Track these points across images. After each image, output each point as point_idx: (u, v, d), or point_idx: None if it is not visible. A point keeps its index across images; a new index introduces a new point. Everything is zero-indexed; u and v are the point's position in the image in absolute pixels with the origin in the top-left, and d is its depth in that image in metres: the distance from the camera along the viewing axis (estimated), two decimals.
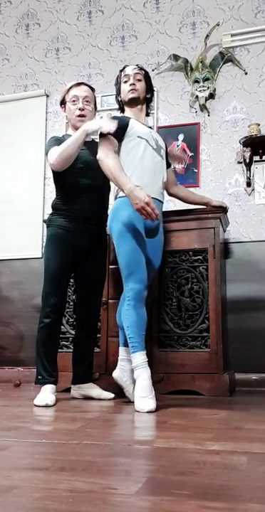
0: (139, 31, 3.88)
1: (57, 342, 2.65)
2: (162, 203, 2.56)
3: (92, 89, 2.81)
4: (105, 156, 2.39)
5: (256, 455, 1.33)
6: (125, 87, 2.62)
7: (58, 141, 2.64)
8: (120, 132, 2.47)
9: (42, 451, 1.41)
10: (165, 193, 2.71)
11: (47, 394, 2.45)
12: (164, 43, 3.80)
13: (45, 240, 2.72)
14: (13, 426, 1.83)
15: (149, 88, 2.68)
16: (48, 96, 4.05)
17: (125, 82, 2.63)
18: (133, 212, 2.37)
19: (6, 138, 4.06)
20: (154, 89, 3.68)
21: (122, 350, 2.54)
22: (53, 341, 2.59)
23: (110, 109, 3.77)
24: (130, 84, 2.60)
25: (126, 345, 2.46)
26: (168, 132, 3.67)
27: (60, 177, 2.62)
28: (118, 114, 2.76)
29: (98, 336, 2.94)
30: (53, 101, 4.02)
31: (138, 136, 2.50)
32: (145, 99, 2.66)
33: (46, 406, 2.36)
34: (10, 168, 4.02)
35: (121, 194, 2.45)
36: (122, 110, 2.70)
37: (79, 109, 2.69)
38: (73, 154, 2.53)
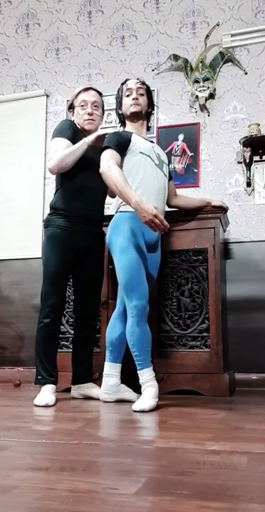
0: (139, 31, 3.88)
1: (56, 342, 2.66)
2: None
3: (101, 94, 2.83)
4: (108, 169, 2.36)
5: (256, 455, 1.33)
6: (128, 101, 2.61)
7: (71, 129, 2.64)
8: (122, 147, 2.47)
9: (42, 451, 1.41)
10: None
11: (47, 394, 2.45)
12: (164, 43, 3.80)
13: (43, 241, 2.72)
14: (13, 426, 1.83)
15: (151, 103, 2.68)
16: (48, 96, 4.05)
17: (128, 96, 2.62)
18: (135, 227, 2.38)
19: (6, 138, 4.06)
20: (154, 89, 3.71)
21: (106, 365, 2.54)
22: (52, 341, 2.59)
23: (110, 109, 3.77)
24: (133, 99, 2.59)
25: (112, 360, 2.51)
26: (168, 132, 3.67)
27: (64, 178, 2.63)
28: (120, 129, 2.77)
29: (98, 335, 2.94)
30: (53, 101, 4.02)
31: (140, 152, 2.50)
32: (146, 114, 2.66)
33: (46, 406, 2.36)
34: (10, 168, 4.02)
35: (122, 209, 2.46)
36: (123, 124, 2.70)
37: (88, 114, 2.71)
38: (71, 163, 2.56)
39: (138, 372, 2.32)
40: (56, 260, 2.58)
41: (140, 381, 2.31)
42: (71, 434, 1.66)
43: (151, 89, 3.70)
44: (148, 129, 2.73)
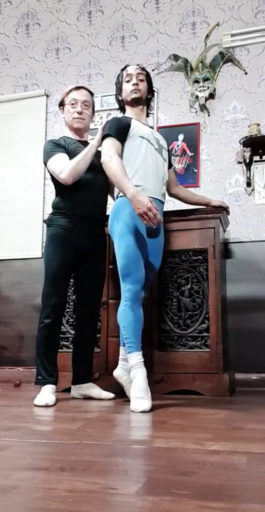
0: (139, 31, 3.88)
1: (57, 342, 2.66)
2: (163, 203, 2.57)
3: (92, 94, 2.83)
4: (108, 160, 2.38)
5: (256, 455, 1.33)
6: (128, 87, 2.61)
7: (57, 146, 2.64)
8: (123, 133, 2.47)
9: (42, 451, 1.41)
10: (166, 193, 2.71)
11: (47, 394, 2.45)
12: (164, 43, 3.80)
13: (45, 240, 2.72)
14: (13, 426, 1.83)
15: (151, 89, 2.68)
16: (48, 96, 4.05)
17: (128, 81, 2.62)
18: (134, 212, 2.37)
19: (6, 138, 4.06)
20: (155, 89, 3.71)
21: (122, 349, 2.54)
22: (53, 341, 2.59)
23: (110, 109, 3.77)
24: (133, 84, 2.59)
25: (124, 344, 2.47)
26: (168, 132, 3.66)
27: None
28: (119, 114, 2.76)
29: (98, 335, 2.94)
30: (53, 101, 4.02)
31: (140, 136, 2.50)
32: (146, 100, 2.66)
33: (46, 406, 2.36)
34: (10, 168, 4.02)
35: (121, 194, 2.45)
36: (123, 110, 2.69)
37: (77, 113, 2.72)
38: (84, 169, 2.56)
39: (128, 355, 2.30)
40: (57, 260, 2.58)
41: (129, 365, 2.30)
42: (71, 434, 1.66)
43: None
44: (148, 115, 2.72)
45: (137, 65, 2.71)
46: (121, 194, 2.46)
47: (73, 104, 2.74)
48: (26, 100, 4.09)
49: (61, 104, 2.81)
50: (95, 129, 3.78)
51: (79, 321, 2.74)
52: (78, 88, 2.79)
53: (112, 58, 3.93)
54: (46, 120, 4.03)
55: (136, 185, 2.40)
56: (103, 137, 2.48)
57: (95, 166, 2.57)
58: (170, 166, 2.77)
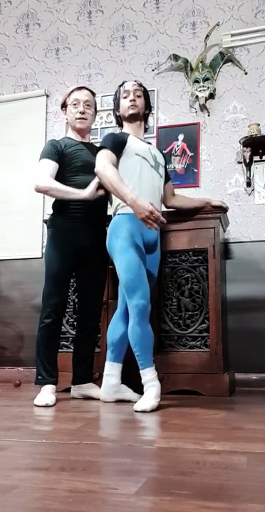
0: (139, 31, 3.88)
1: (57, 342, 2.66)
2: None
3: (93, 94, 2.85)
4: (103, 169, 2.38)
5: (256, 455, 1.33)
6: (125, 103, 2.62)
7: (54, 150, 2.66)
8: (118, 148, 2.48)
9: (42, 451, 1.41)
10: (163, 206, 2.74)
11: (47, 394, 2.45)
12: (164, 43, 3.80)
13: (45, 240, 2.73)
14: (13, 426, 1.83)
15: (148, 105, 2.69)
16: (48, 96, 4.05)
17: (125, 97, 2.63)
18: (133, 228, 2.39)
19: (6, 138, 4.06)
20: (154, 89, 3.72)
21: (107, 364, 2.55)
22: (53, 341, 2.60)
23: (110, 109, 3.77)
24: (131, 100, 2.60)
25: (112, 360, 2.51)
26: (168, 132, 3.67)
27: (59, 177, 2.64)
28: (117, 130, 2.78)
29: (98, 336, 2.94)
30: (53, 101, 4.02)
31: (136, 154, 2.51)
32: (144, 115, 2.68)
33: (46, 406, 2.36)
34: (10, 168, 4.02)
35: (120, 211, 2.48)
36: (121, 125, 2.71)
37: (80, 113, 2.74)
38: (56, 197, 2.63)
39: (140, 371, 2.32)
40: (58, 260, 2.59)
41: (142, 381, 2.31)
42: (71, 434, 1.66)
43: (151, 89, 3.73)
44: (145, 130, 2.73)
45: (135, 81, 2.73)
46: (119, 212, 2.47)
47: (75, 104, 2.75)
48: (26, 100, 4.09)
49: (63, 106, 2.83)
50: (95, 129, 3.81)
51: (80, 322, 2.75)
52: (79, 88, 2.81)
53: (112, 58, 3.93)
54: (46, 120, 4.03)
55: None
56: (98, 149, 2.49)
57: (93, 165, 2.56)
58: (168, 179, 2.77)
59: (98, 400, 2.59)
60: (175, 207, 2.87)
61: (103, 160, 2.41)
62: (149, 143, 2.74)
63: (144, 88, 2.71)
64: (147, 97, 2.69)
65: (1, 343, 3.81)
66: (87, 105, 2.76)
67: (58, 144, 2.71)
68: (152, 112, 2.77)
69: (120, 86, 2.69)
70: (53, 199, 2.73)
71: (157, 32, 3.83)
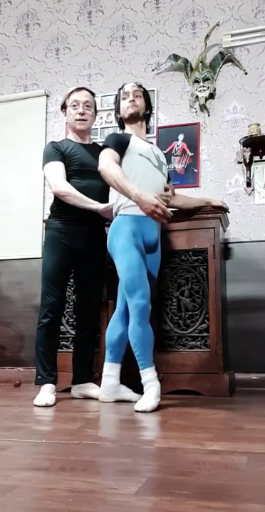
0: (139, 31, 3.88)
1: (56, 342, 2.66)
2: None
3: (93, 94, 2.85)
4: (106, 166, 2.37)
5: (256, 455, 1.33)
6: (125, 104, 2.63)
7: (56, 151, 2.66)
8: (121, 147, 2.47)
9: (42, 451, 1.41)
10: None
11: (47, 394, 2.45)
12: (164, 43, 3.80)
13: (44, 240, 2.74)
14: (13, 426, 1.83)
15: (148, 105, 2.69)
16: (48, 96, 4.05)
17: (124, 99, 2.64)
18: (135, 229, 2.40)
19: (6, 138, 4.06)
20: (154, 89, 3.72)
21: (106, 365, 2.55)
22: (52, 341, 2.60)
23: (110, 109, 3.77)
24: (130, 101, 2.61)
25: (112, 360, 2.50)
26: (168, 132, 3.67)
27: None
28: (118, 130, 2.78)
29: (98, 335, 2.94)
30: (53, 101, 4.02)
31: (139, 154, 2.50)
32: (145, 116, 2.67)
33: (46, 406, 2.36)
34: (10, 168, 4.02)
35: (121, 212, 2.48)
36: (122, 128, 2.71)
37: (79, 114, 2.74)
38: (72, 204, 2.59)
39: (140, 371, 2.32)
40: (53, 261, 2.61)
41: (142, 381, 2.31)
42: (71, 434, 1.66)
43: (151, 89, 3.72)
44: (147, 131, 2.73)
45: (135, 82, 2.73)
46: (120, 212, 2.47)
47: (74, 105, 2.76)
48: (26, 100, 4.08)
49: (63, 107, 2.84)
50: (95, 129, 3.81)
51: (79, 321, 2.76)
52: (79, 89, 2.81)
53: (112, 58, 3.93)
54: (46, 120, 4.03)
55: (135, 205, 2.42)
56: (100, 148, 2.49)
57: (91, 171, 2.60)
58: (169, 179, 2.78)
59: (98, 399, 2.59)
60: (176, 206, 2.86)
61: (106, 158, 2.40)
62: (151, 143, 2.74)
63: (144, 89, 2.71)
64: (148, 98, 2.69)
65: (1, 343, 3.81)
66: (87, 106, 2.76)
67: (58, 145, 2.72)
68: (153, 112, 2.76)
69: (120, 89, 2.70)
70: (53, 198, 2.73)
71: (157, 32, 3.83)
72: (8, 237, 3.92)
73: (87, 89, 2.83)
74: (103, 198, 2.73)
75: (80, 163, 2.67)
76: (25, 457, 1.34)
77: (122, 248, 2.40)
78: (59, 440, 1.55)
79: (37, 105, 4.05)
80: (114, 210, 2.56)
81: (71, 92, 2.80)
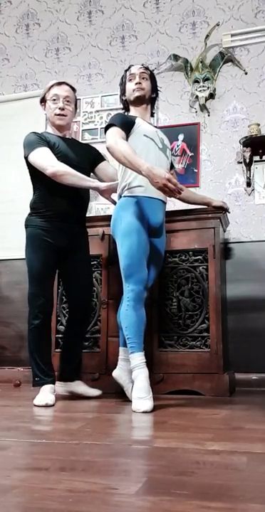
0: (139, 31, 3.88)
1: (49, 341, 2.63)
2: (165, 203, 2.56)
3: (74, 90, 2.77)
4: (114, 143, 2.31)
5: (256, 455, 1.33)
6: (131, 86, 2.59)
7: (40, 139, 2.58)
8: (127, 127, 2.43)
9: (42, 451, 1.41)
10: None
11: (46, 394, 2.44)
12: (164, 43, 3.80)
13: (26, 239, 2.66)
14: (13, 426, 1.83)
15: (155, 88, 2.65)
16: None
17: (130, 80, 2.60)
18: (139, 211, 2.36)
19: (6, 138, 4.06)
20: (159, 88, 3.71)
21: (122, 350, 2.53)
22: (45, 341, 2.57)
23: (110, 109, 3.77)
24: (136, 83, 2.57)
25: (126, 345, 2.46)
26: (168, 132, 3.64)
27: (37, 173, 2.57)
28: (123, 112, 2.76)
29: (98, 335, 2.94)
30: None
31: (144, 135, 2.48)
32: (150, 99, 2.64)
33: (46, 406, 2.36)
34: (10, 168, 4.02)
35: (126, 193, 2.45)
36: (127, 110, 2.67)
37: (59, 109, 2.67)
38: (70, 183, 2.51)
39: (130, 356, 2.29)
40: (39, 260, 2.55)
41: (131, 365, 2.29)
42: (71, 434, 1.66)
43: None
44: (152, 115, 2.70)
45: (142, 64, 2.69)
46: (125, 194, 2.45)
47: (54, 99, 2.68)
48: (25, 100, 4.08)
49: (42, 100, 2.76)
50: (95, 129, 3.81)
51: (69, 319, 2.71)
52: (59, 84, 2.73)
53: (112, 58, 3.93)
54: (46, 120, 4.02)
55: (139, 186, 2.39)
56: (107, 127, 2.44)
57: (74, 165, 2.55)
58: (172, 166, 2.75)
59: (88, 398, 2.59)
60: (180, 197, 2.85)
61: (114, 136, 2.35)
62: (156, 127, 2.71)
63: (151, 71, 2.67)
64: (154, 81, 2.65)
65: (1, 343, 3.81)
66: (67, 101, 2.69)
67: (41, 135, 2.66)
68: (157, 97, 2.70)
69: (126, 70, 2.65)
70: (32, 197, 2.67)
71: (157, 32, 3.83)
72: (8, 237, 3.92)
73: (68, 84, 2.75)
74: (87, 191, 2.70)
75: (63, 157, 2.59)
76: (25, 457, 1.34)
77: (124, 232, 2.38)
78: (59, 440, 1.55)
79: (37, 105, 4.00)
80: (118, 192, 2.52)
81: (51, 86, 2.72)
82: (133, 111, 2.62)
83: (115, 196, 2.62)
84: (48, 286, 2.59)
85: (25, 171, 2.69)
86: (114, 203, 2.61)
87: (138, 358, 2.28)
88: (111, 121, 2.45)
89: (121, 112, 2.71)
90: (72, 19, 4.09)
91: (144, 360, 2.29)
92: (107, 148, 2.35)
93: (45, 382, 2.51)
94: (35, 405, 2.38)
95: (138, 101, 2.58)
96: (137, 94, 2.57)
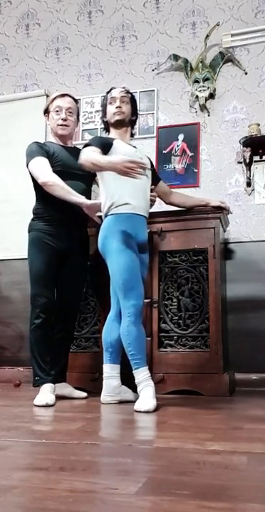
0: (139, 31, 3.88)
1: (50, 341, 2.64)
2: (146, 218, 2.59)
3: (76, 101, 2.90)
4: (83, 156, 2.40)
5: (256, 455, 1.33)
6: (111, 109, 2.65)
7: (41, 149, 2.69)
8: (104, 148, 2.49)
9: (42, 451, 1.41)
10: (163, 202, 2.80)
11: (46, 393, 2.45)
12: (164, 43, 3.80)
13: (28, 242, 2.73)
14: (13, 426, 1.83)
15: (135, 111, 2.72)
16: (48, 96, 4.03)
17: (111, 103, 2.66)
18: (127, 229, 2.42)
19: (6, 138, 4.06)
20: (154, 89, 3.72)
21: (108, 367, 2.54)
22: (46, 341, 2.59)
23: None
24: (117, 107, 2.63)
25: (112, 362, 2.50)
26: (168, 132, 3.67)
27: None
28: (104, 134, 2.81)
29: (98, 335, 2.94)
30: None
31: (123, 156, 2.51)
32: (130, 122, 2.70)
33: (46, 406, 2.36)
34: (10, 168, 4.02)
35: (112, 211, 2.48)
36: (108, 131, 2.74)
37: (62, 119, 2.78)
38: (55, 195, 2.59)
39: (134, 371, 2.31)
40: (41, 262, 2.63)
41: (136, 381, 2.30)
42: (71, 434, 1.66)
43: (151, 89, 3.74)
44: (132, 135, 2.77)
45: (123, 87, 2.76)
46: (111, 212, 2.48)
47: (57, 111, 2.80)
48: (26, 100, 4.08)
49: (46, 112, 2.87)
50: (95, 129, 3.81)
51: (58, 322, 2.71)
52: (62, 95, 2.85)
53: (112, 58, 3.93)
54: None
55: (126, 203, 2.45)
56: (84, 146, 2.52)
57: (74, 173, 2.63)
58: (158, 179, 2.81)
59: (88, 398, 2.58)
60: (174, 204, 2.88)
61: (85, 153, 2.42)
62: (135, 147, 2.74)
63: (132, 95, 2.74)
64: (134, 104, 2.73)
65: (1, 343, 3.81)
66: (70, 112, 2.81)
67: (43, 145, 2.77)
68: (136, 119, 2.78)
69: (108, 93, 2.73)
70: (35, 203, 2.75)
71: (157, 32, 3.83)
72: (8, 237, 3.92)
73: (70, 96, 2.87)
74: (88, 197, 2.74)
75: (62, 165, 2.69)
76: (25, 457, 1.34)
77: (117, 249, 2.41)
78: (59, 440, 1.55)
79: (37, 105, 4.03)
80: (104, 211, 2.55)
81: (54, 98, 2.83)
82: (113, 132, 2.68)
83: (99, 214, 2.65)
84: (50, 287, 2.65)
85: (25, 171, 2.74)
86: (97, 222, 2.63)
87: (143, 373, 2.30)
88: (88, 142, 2.54)
89: (102, 135, 2.77)
90: (72, 19, 4.09)
91: (149, 375, 2.33)
92: (80, 165, 2.43)
93: (45, 381, 2.52)
94: (35, 405, 2.38)
95: (118, 124, 2.65)
96: (117, 117, 2.63)
